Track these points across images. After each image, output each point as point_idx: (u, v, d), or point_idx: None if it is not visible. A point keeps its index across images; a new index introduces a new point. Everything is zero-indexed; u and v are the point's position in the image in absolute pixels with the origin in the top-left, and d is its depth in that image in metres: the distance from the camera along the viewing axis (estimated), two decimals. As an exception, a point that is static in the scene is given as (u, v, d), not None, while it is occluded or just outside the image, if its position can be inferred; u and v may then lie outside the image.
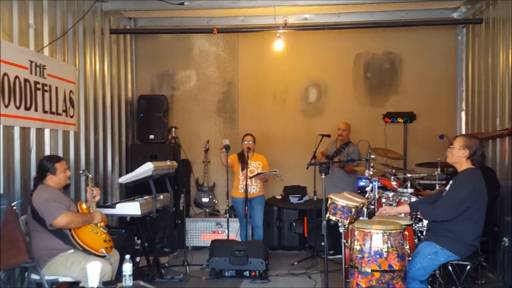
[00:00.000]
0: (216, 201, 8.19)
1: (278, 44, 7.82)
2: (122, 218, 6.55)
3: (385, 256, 4.11)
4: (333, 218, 4.73)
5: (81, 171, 5.31)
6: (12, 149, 5.17)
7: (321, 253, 7.03)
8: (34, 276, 4.46)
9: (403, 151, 8.22)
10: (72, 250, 4.53)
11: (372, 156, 6.25)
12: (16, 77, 5.16)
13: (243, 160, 6.99)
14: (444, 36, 8.33)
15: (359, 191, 7.10)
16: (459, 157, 4.41)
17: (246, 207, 6.80)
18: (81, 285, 4.13)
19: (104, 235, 4.74)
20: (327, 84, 8.63)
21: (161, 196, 5.89)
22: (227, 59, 8.75)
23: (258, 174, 6.94)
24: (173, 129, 7.92)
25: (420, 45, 8.36)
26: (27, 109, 5.35)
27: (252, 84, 8.73)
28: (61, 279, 4.50)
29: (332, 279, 5.19)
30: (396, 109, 8.34)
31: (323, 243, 5.24)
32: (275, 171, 7.02)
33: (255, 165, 7.07)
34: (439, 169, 6.41)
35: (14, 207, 4.12)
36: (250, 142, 7.04)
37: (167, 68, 8.79)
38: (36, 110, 5.51)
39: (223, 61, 8.76)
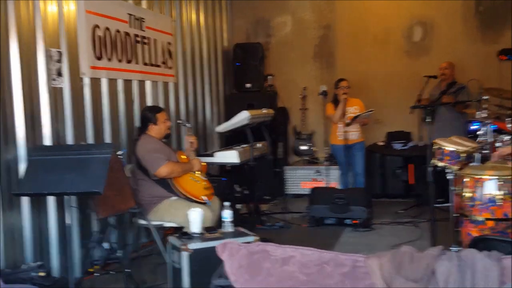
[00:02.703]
0: (314, 149, 8.31)
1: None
2: (222, 167, 6.86)
3: (499, 203, 3.97)
4: (440, 164, 4.63)
5: (179, 121, 5.64)
6: (117, 102, 5.60)
7: (428, 201, 6.97)
8: (142, 221, 4.88)
9: (521, 91, 7.83)
10: (175, 197, 4.87)
11: (485, 97, 6.03)
12: (117, 31, 5.54)
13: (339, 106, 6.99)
14: None
15: (470, 135, 6.90)
16: None
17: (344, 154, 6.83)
18: (184, 230, 4.38)
19: (204, 183, 5.04)
20: (433, 21, 8.34)
21: (259, 144, 6.08)
22: (324, 1, 8.70)
23: (354, 118, 6.90)
24: (269, 77, 8.07)
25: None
26: (128, 62, 5.74)
27: (350, 26, 8.64)
28: (166, 224, 4.87)
29: (440, 228, 5.12)
30: (512, 45, 7.92)
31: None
32: (371, 110, 6.96)
33: (352, 110, 7.03)
34: None
35: (120, 156, 4.50)
36: (346, 87, 7.01)
37: (262, 15, 8.90)
38: (136, 63, 5.89)
39: (319, 4, 8.72)
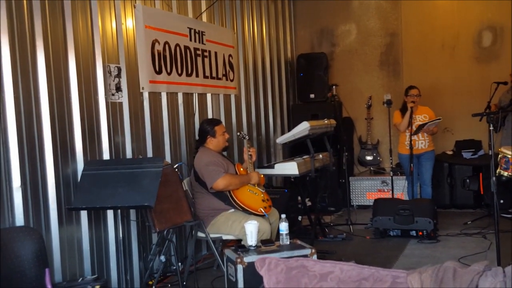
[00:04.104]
0: (380, 159, 7.96)
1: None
2: (286, 178, 6.65)
3: None
4: (505, 173, 4.38)
5: (238, 133, 5.47)
6: (177, 115, 5.48)
7: (500, 212, 6.46)
8: (200, 234, 4.72)
9: None
10: (232, 210, 4.70)
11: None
12: (177, 45, 5.42)
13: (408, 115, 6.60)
14: None
15: (544, 144, 6.35)
16: None
17: (412, 164, 6.46)
18: (242, 243, 4.26)
19: (262, 195, 4.83)
20: (503, 25, 7.76)
21: (320, 155, 5.84)
22: (389, 8, 8.31)
23: (420, 126, 6.50)
24: (334, 86, 7.79)
25: None
26: (188, 75, 5.61)
27: (417, 33, 8.20)
28: (224, 237, 4.71)
29: (509, 240, 4.79)
30: None
31: (501, 201, 4.79)
32: (439, 119, 6.56)
33: (421, 118, 6.64)
34: None
35: (176, 169, 4.35)
36: (416, 95, 6.62)
37: (326, 24, 8.60)
38: (197, 76, 5.76)
39: (384, 11, 8.34)
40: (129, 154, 4.70)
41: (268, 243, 4.03)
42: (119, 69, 4.64)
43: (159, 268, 4.40)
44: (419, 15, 8.19)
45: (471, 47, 7.99)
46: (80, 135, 4.18)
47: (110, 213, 4.39)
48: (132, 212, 4.53)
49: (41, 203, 3.81)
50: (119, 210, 3.96)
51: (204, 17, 6.01)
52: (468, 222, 6.52)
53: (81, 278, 3.91)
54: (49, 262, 3.62)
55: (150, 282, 4.50)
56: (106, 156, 4.41)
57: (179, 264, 4.53)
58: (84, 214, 4.16)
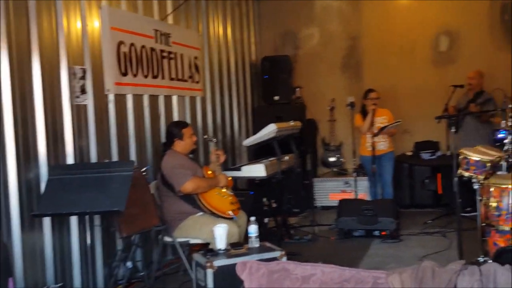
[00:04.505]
0: (343, 160, 7.99)
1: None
2: (251, 180, 6.61)
3: None
4: (466, 174, 4.39)
5: (205, 136, 5.39)
6: (142, 117, 5.35)
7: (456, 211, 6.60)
8: (167, 238, 4.62)
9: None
10: (200, 213, 4.61)
11: (510, 106, 5.66)
12: (143, 46, 5.30)
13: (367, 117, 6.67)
14: None
15: (497, 144, 6.52)
16: None
17: (374, 165, 6.53)
18: (210, 246, 4.18)
19: (230, 198, 4.76)
20: (459, 30, 7.92)
21: (286, 157, 5.82)
22: (351, 12, 8.35)
23: (381, 129, 6.58)
24: (298, 89, 7.79)
25: None
26: (154, 77, 5.49)
27: (377, 36, 8.27)
28: (192, 241, 4.61)
29: (468, 238, 4.82)
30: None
31: (459, 200, 4.89)
32: (399, 121, 6.65)
33: (381, 121, 6.71)
34: None
35: (144, 173, 4.24)
36: (376, 98, 6.69)
37: (289, 27, 8.59)
38: (163, 78, 5.65)
39: (346, 15, 8.38)
40: (93, 157, 4.56)
41: (237, 246, 3.98)
42: (84, 71, 4.50)
43: (125, 275, 4.27)
44: (380, 19, 8.26)
45: (428, 51, 8.11)
46: (44, 139, 4.02)
47: (74, 219, 4.23)
48: (97, 218, 4.38)
49: (2, 210, 3.65)
50: (86, 216, 3.81)
51: (170, 19, 5.91)
52: (428, 222, 6.61)
53: (45, 287, 3.77)
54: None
55: (115, 289, 4.38)
56: (70, 160, 4.26)
57: (144, 270, 4.41)
58: (47, 221, 4.00)
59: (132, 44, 5.11)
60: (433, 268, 2.13)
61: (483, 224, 4.21)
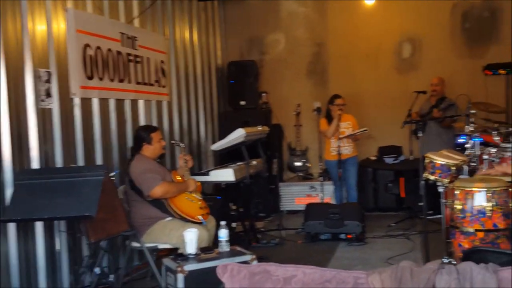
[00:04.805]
0: (309, 165, 8.03)
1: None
2: (217, 185, 6.56)
3: (489, 215, 3.85)
4: (432, 177, 4.44)
5: (173, 141, 5.32)
6: (109, 122, 5.25)
7: (419, 214, 6.70)
8: (135, 244, 4.53)
9: (506, 104, 7.57)
10: (169, 218, 4.54)
11: (473, 111, 5.81)
12: (109, 50, 5.20)
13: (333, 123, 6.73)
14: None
15: (458, 148, 6.67)
16: None
17: (340, 170, 6.59)
18: (179, 251, 4.13)
19: (199, 202, 4.72)
20: (421, 38, 8.09)
21: (254, 162, 5.80)
22: (316, 19, 8.40)
23: (349, 135, 6.69)
24: (264, 94, 7.79)
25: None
26: (120, 81, 5.40)
27: (342, 43, 8.37)
28: (160, 246, 4.54)
29: (432, 240, 4.94)
30: (498, 60, 7.64)
31: (420, 203, 4.99)
32: (365, 129, 6.76)
33: (345, 126, 6.81)
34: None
35: (113, 178, 4.15)
36: (343, 104, 6.76)
37: (255, 33, 8.60)
38: (129, 82, 5.56)
39: (312, 21, 8.42)
40: (59, 162, 4.43)
41: (207, 250, 3.95)
42: (50, 74, 4.38)
43: (93, 281, 4.17)
44: (345, 26, 8.34)
45: (392, 58, 8.24)
46: (8, 143, 3.88)
47: (39, 225, 4.11)
48: (63, 223, 4.26)
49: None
50: (54, 222, 3.71)
51: (136, 22, 5.82)
52: (392, 224, 6.69)
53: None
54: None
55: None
56: (35, 164, 4.13)
57: (112, 276, 4.31)
58: (12, 226, 3.86)
59: (98, 47, 5.01)
60: (411, 268, 2.17)
61: (448, 226, 4.25)
